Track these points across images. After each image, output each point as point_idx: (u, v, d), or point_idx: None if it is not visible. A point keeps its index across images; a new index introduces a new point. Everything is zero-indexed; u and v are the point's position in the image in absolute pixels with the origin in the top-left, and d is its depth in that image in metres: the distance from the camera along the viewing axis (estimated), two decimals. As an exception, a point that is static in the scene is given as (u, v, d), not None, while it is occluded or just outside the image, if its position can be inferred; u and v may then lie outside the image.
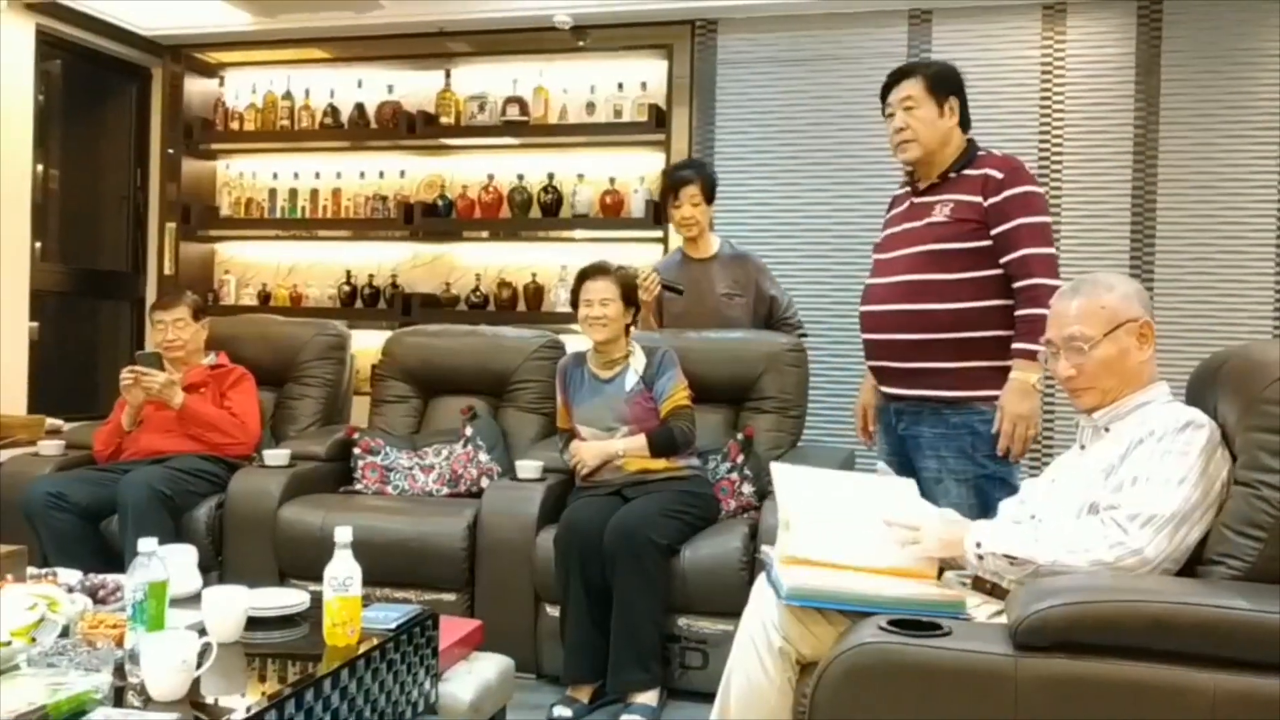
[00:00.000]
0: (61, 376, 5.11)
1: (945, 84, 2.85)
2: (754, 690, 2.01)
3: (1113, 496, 1.89)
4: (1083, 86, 4.43)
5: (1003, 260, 2.72)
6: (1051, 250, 2.73)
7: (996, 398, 2.70)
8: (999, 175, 2.74)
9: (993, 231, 2.72)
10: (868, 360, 2.99)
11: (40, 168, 4.98)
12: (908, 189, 2.97)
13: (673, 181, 3.90)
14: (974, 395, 2.74)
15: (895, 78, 2.88)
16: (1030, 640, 1.67)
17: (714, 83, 4.86)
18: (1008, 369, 2.68)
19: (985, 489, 2.69)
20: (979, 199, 2.74)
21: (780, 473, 2.22)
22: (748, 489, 3.44)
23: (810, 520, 2.08)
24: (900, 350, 2.81)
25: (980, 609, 1.97)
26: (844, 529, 2.09)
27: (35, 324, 4.92)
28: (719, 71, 4.86)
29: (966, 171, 2.80)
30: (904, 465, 2.89)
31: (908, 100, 2.82)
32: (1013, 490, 2.51)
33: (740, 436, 3.52)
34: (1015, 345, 2.68)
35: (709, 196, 3.91)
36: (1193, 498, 1.83)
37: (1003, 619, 1.83)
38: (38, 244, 4.96)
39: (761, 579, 2.17)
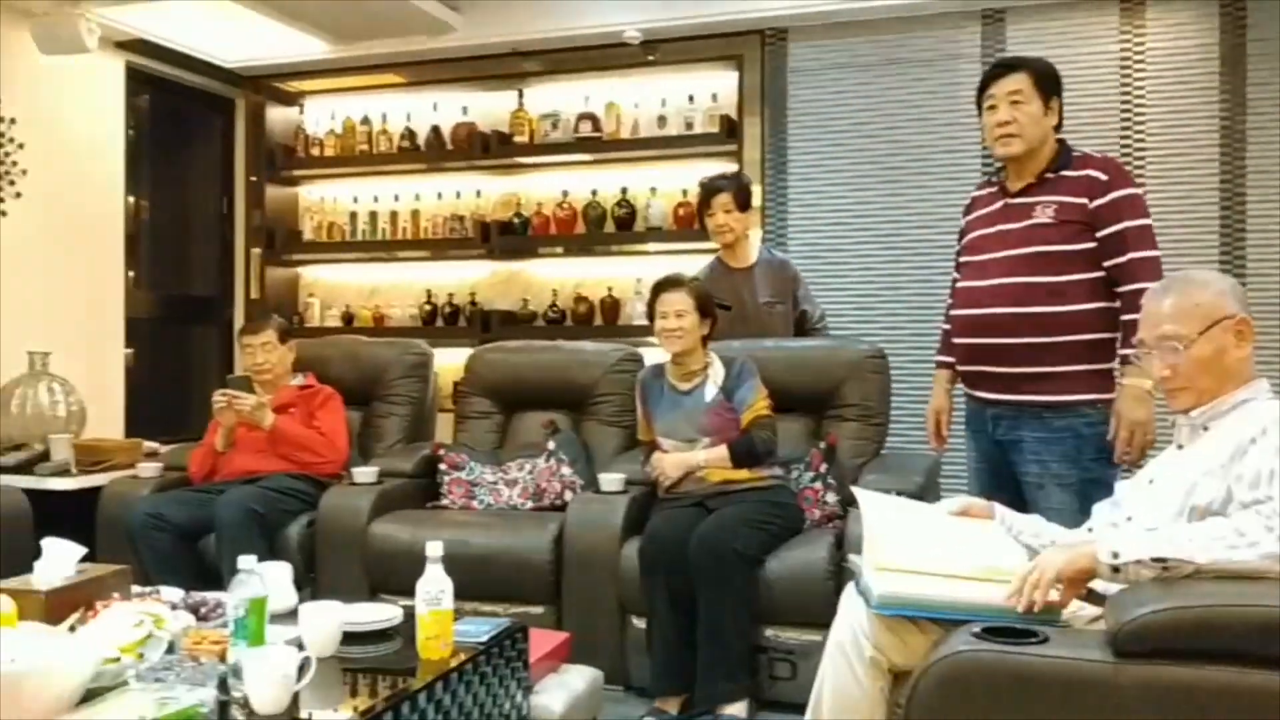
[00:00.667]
0: (155, 400, 5.28)
1: (1051, 82, 2.81)
2: (846, 700, 1.99)
3: (1253, 491, 1.82)
4: (1164, 80, 4.34)
5: (1108, 264, 2.68)
6: (1156, 253, 2.68)
7: (1100, 401, 2.65)
8: (1104, 177, 2.70)
9: (1099, 234, 2.68)
10: (962, 365, 2.94)
11: (132, 199, 5.16)
12: (994, 190, 2.92)
13: (705, 191, 3.95)
14: (1079, 399, 2.70)
15: (1001, 70, 2.84)
16: (1132, 646, 1.63)
17: (785, 91, 4.85)
18: (1111, 372, 2.63)
19: (1089, 493, 2.63)
20: (1084, 200, 2.70)
21: (865, 496, 2.20)
22: (832, 498, 3.41)
23: (898, 530, 2.06)
24: (1002, 354, 2.77)
25: (1077, 616, 1.93)
26: (933, 537, 2.06)
27: (130, 350, 5.10)
28: (790, 80, 4.85)
29: (1066, 173, 2.76)
30: (997, 471, 2.85)
31: (1015, 94, 2.76)
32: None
33: (823, 445, 3.50)
34: (1123, 351, 2.63)
35: (742, 204, 3.92)
36: None
37: (1101, 625, 1.79)
38: (131, 272, 5.14)
39: (850, 588, 2.15)
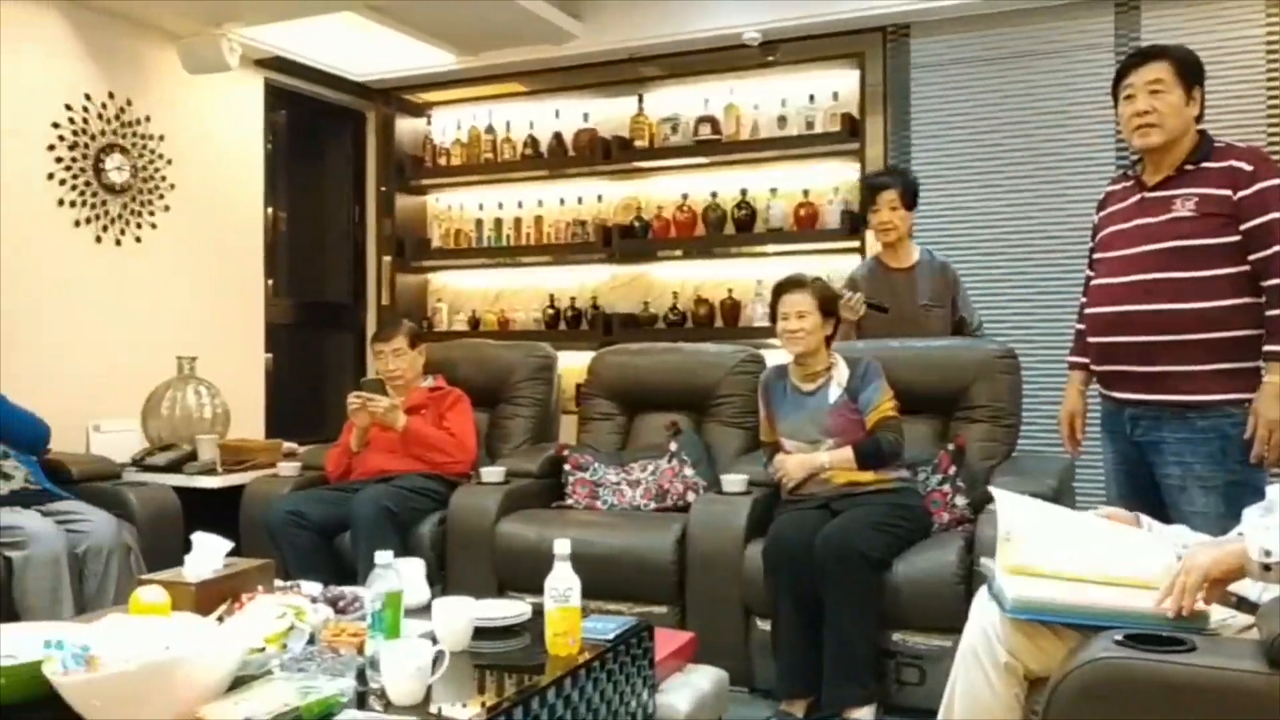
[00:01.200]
0: (293, 403, 5.49)
1: (1193, 71, 2.69)
2: (980, 706, 1.95)
3: None
4: (1316, 65, 4.11)
5: (1252, 258, 2.56)
6: None
7: (1248, 401, 2.53)
8: (1248, 168, 2.58)
9: (1243, 227, 2.57)
10: (1097, 365, 2.85)
11: (270, 210, 5.38)
12: (1129, 184, 2.82)
13: (871, 188, 3.89)
14: (1224, 398, 2.58)
15: (1140, 58, 2.73)
16: (1288, 657, 1.56)
17: (908, 88, 4.77)
18: (1258, 369, 2.51)
19: (1235, 496, 2.51)
20: (1228, 192, 2.58)
21: (1001, 495, 2.14)
22: (961, 501, 3.34)
23: (1035, 532, 2.00)
24: (1142, 353, 2.67)
25: (1226, 624, 1.84)
26: (1072, 540, 1.99)
27: (269, 355, 5.32)
28: (913, 76, 4.76)
29: (1207, 164, 2.64)
30: (1135, 474, 2.75)
31: (1156, 83, 2.66)
32: (1264, 498, 2.34)
33: (951, 447, 3.42)
34: (1267, 348, 2.52)
35: (909, 203, 3.85)
36: None
37: (1253, 634, 1.71)
38: (269, 281, 5.35)
39: (982, 592, 2.10)
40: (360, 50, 5.41)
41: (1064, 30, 4.50)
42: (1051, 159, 4.50)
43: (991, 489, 2.19)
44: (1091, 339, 2.84)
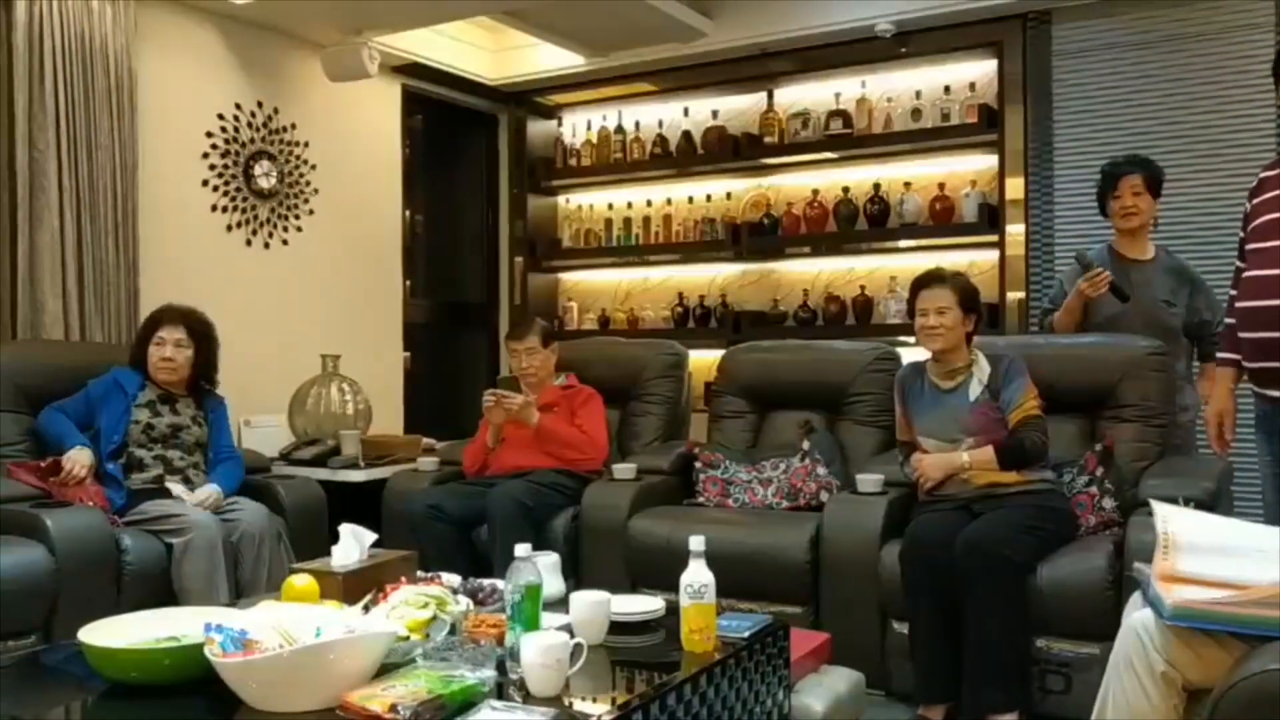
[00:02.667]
0: (430, 400, 5.63)
1: None
2: (1136, 717, 1.86)
3: None
4: None
5: None
6: None
7: None
8: None
9: None
10: (1250, 361, 2.69)
11: (407, 213, 5.53)
12: (1286, 168, 2.66)
13: (1107, 177, 3.67)
14: None
15: None
16: None
17: (1049, 76, 4.61)
18: None
19: (1404, 501, 2.36)
20: None
21: (1160, 507, 2.04)
22: (1109, 503, 3.20)
23: (1196, 537, 1.90)
24: None
25: None
26: (1235, 547, 1.89)
27: (407, 353, 5.47)
28: (1054, 64, 4.60)
29: None
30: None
31: None
32: None
33: (1099, 447, 3.29)
34: None
35: (1154, 190, 3.61)
36: None
37: None
38: (407, 282, 5.51)
39: (1136, 598, 2.01)
40: (493, 54, 5.53)
41: (1219, 10, 4.28)
42: (1205, 146, 4.29)
43: (1152, 502, 2.07)
44: (1243, 334, 2.69)
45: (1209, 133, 4.28)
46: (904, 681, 3.11)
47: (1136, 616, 1.94)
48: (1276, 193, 2.68)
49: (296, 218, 4.86)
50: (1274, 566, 1.84)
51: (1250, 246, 2.74)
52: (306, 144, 4.90)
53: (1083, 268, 3.52)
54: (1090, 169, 4.49)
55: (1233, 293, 2.82)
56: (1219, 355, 2.93)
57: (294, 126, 4.84)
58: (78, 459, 3.34)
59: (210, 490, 3.46)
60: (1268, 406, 2.70)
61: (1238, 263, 2.83)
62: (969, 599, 2.86)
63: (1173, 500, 2.28)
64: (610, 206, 5.92)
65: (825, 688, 2.48)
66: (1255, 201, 2.76)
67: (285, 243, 4.81)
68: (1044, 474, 3.16)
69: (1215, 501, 2.89)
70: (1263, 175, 2.79)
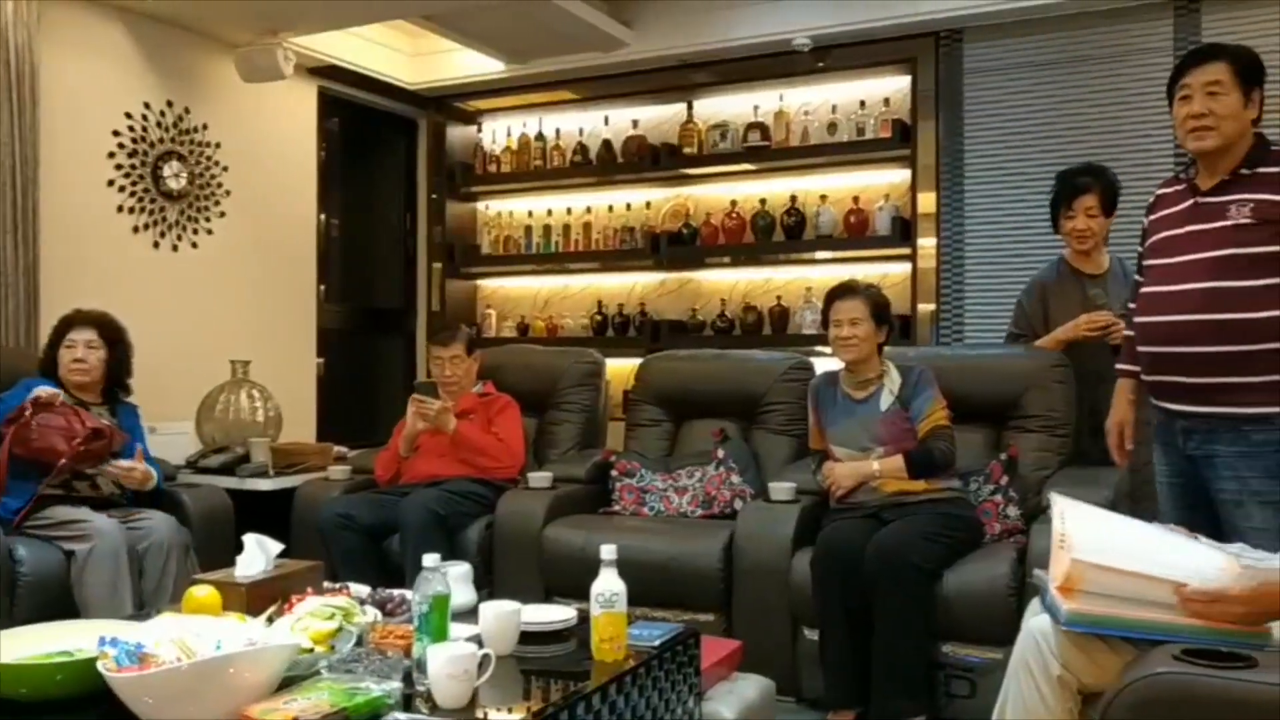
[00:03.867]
0: (344, 407, 5.55)
1: (1254, 73, 2.61)
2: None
3: None
4: (1384, 67, 4.00)
5: None
6: None
7: None
8: None
9: None
10: (1149, 375, 2.77)
11: (323, 217, 5.45)
12: (1181, 187, 2.75)
13: (1066, 189, 3.61)
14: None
15: (1198, 58, 2.66)
16: (1355, 675, 1.51)
17: (961, 93, 4.72)
18: None
19: (1295, 513, 2.45)
20: None
21: (1059, 500, 2.09)
22: (1013, 512, 3.28)
23: (1092, 528, 1.94)
24: (1196, 364, 2.59)
25: (1290, 639, 1.79)
26: (1131, 537, 1.94)
27: (321, 359, 5.38)
28: (966, 81, 4.72)
29: (1263, 169, 2.57)
30: (1190, 487, 2.68)
31: (1214, 85, 2.58)
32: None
33: (1004, 457, 3.37)
34: None
35: (1108, 208, 3.59)
36: None
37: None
38: (322, 287, 5.42)
39: (1035, 604, 2.06)
40: (413, 59, 5.48)
41: (1121, 34, 4.43)
42: (1109, 163, 4.39)
43: (1053, 495, 2.12)
44: (1142, 348, 2.77)
45: (1112, 151, 4.41)
46: (815, 688, 3.15)
47: (1034, 622, 1.99)
48: (1171, 210, 2.76)
49: (207, 220, 4.75)
50: (1169, 558, 1.89)
51: (1147, 263, 2.82)
52: (218, 145, 4.79)
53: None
54: (999, 184, 4.63)
55: (1132, 305, 2.90)
56: (1119, 366, 3.00)
57: (205, 127, 4.74)
58: (43, 389, 3.27)
59: (139, 464, 3.38)
60: (1164, 419, 2.78)
61: (1136, 277, 2.92)
62: (877, 605, 2.91)
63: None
64: (530, 213, 5.90)
65: (736, 695, 2.49)
66: (1152, 218, 2.84)
67: (195, 245, 4.70)
68: (951, 483, 3.23)
69: (1115, 509, 2.97)
70: (1159, 192, 2.87)
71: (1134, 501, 3.20)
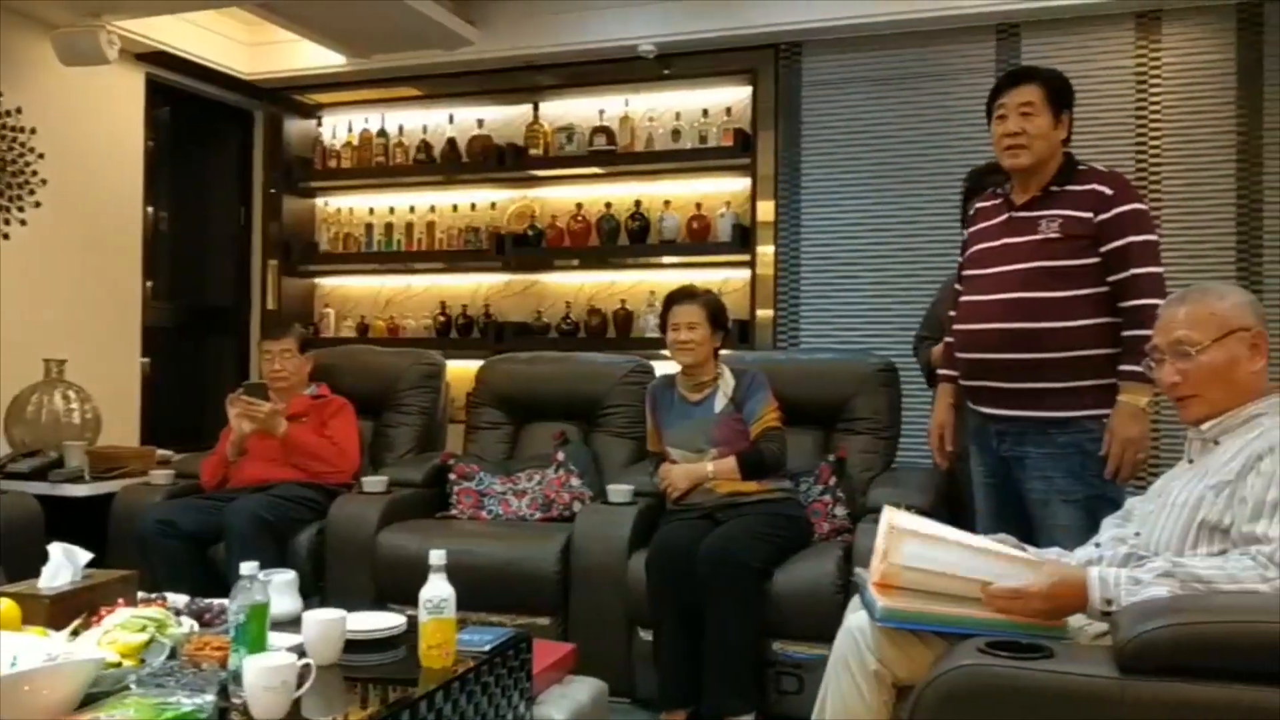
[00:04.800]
0: (171, 409, 5.30)
1: (1063, 95, 2.77)
2: (849, 714, 1.98)
3: (1252, 525, 1.79)
4: (1180, 95, 4.31)
5: (1111, 279, 2.64)
6: (1159, 269, 2.64)
7: (1105, 417, 2.62)
8: (1109, 191, 2.66)
9: (1103, 249, 2.64)
10: (965, 380, 2.91)
11: (150, 210, 5.20)
12: (998, 201, 2.89)
13: (971, 190, 3.48)
14: (1083, 415, 2.65)
15: (1013, 80, 2.80)
16: (1137, 663, 1.62)
17: (799, 105, 4.85)
18: (1116, 387, 2.60)
19: (1095, 510, 2.59)
20: (1089, 215, 2.65)
21: (889, 512, 2.16)
22: (841, 511, 3.39)
23: (910, 529, 2.01)
24: (1007, 370, 2.73)
25: (1083, 631, 1.90)
26: (950, 543, 2.02)
27: (146, 359, 5.13)
28: (804, 93, 4.85)
29: (1070, 186, 2.72)
30: (1004, 487, 2.82)
31: (1027, 105, 2.72)
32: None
33: (832, 458, 3.48)
34: (1122, 367, 2.59)
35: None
36: None
37: (1108, 640, 1.77)
38: (149, 282, 5.17)
39: (855, 601, 2.13)
40: (249, 48, 5.29)
41: (948, 54, 4.63)
42: (935, 178, 4.62)
43: (886, 508, 2.18)
44: (959, 354, 2.90)
45: (939, 165, 4.61)
46: (648, 688, 3.18)
47: (853, 619, 2.06)
48: (988, 224, 2.91)
49: (20, 210, 4.47)
50: (979, 561, 1.98)
51: (966, 273, 2.96)
52: (34, 130, 4.52)
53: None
54: (834, 195, 4.78)
55: (951, 314, 3.03)
56: (939, 371, 3.13)
57: (19, 111, 4.46)
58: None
59: None
60: (979, 422, 2.92)
61: (956, 286, 3.05)
62: (709, 604, 2.96)
63: (896, 506, 2.41)
64: (371, 211, 5.77)
65: (568, 698, 2.50)
66: (971, 230, 2.99)
67: (6, 236, 4.41)
68: (783, 483, 3.32)
69: (935, 509, 3.10)
70: (979, 205, 3.01)
71: (951, 503, 3.35)
